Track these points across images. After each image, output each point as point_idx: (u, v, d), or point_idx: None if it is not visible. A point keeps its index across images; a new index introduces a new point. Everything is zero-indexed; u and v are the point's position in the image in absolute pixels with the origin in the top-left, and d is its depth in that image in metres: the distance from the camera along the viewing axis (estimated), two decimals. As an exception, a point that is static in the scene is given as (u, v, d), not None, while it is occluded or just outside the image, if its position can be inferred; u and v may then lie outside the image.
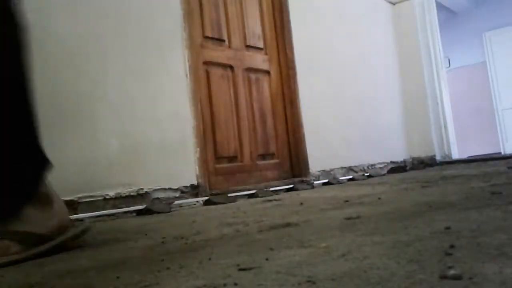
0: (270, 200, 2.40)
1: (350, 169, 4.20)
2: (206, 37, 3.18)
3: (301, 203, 1.97)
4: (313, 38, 4.04)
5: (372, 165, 4.55)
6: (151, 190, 2.50)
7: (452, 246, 0.75)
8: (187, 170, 2.74)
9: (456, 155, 5.44)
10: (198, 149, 2.81)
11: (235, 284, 0.68)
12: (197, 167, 2.79)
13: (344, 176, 4.04)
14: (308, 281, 0.64)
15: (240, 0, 3.51)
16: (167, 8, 2.81)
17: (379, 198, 1.80)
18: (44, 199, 1.25)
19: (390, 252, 0.77)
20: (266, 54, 3.66)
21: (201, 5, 3.16)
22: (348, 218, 1.28)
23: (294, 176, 3.65)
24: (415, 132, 5.33)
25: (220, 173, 3.11)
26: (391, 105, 5.13)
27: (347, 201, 1.85)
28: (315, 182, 3.60)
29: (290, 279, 0.67)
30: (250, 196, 2.94)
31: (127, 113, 2.47)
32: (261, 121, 3.50)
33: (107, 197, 2.29)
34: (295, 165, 3.69)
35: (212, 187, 2.93)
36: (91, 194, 2.24)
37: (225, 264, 0.84)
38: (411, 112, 5.34)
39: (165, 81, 2.71)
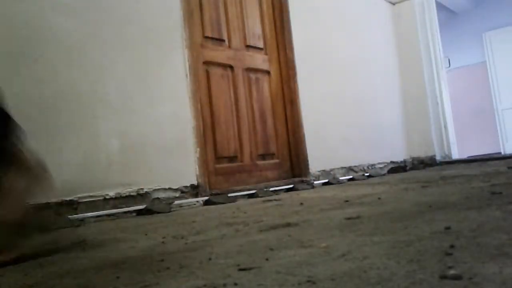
0: (270, 200, 2.40)
1: (350, 169, 4.20)
2: (206, 37, 3.18)
3: (301, 203, 1.97)
4: (313, 38, 4.04)
5: (372, 165, 4.55)
6: (151, 190, 2.50)
7: (452, 246, 0.75)
8: (187, 170, 2.74)
9: (456, 155, 5.44)
10: (198, 149, 2.81)
11: (235, 284, 0.68)
12: (197, 167, 2.79)
13: (344, 176, 4.04)
14: (308, 281, 0.64)
15: (240, 0, 3.51)
16: (167, 8, 2.81)
17: (379, 198, 1.80)
18: None
19: (390, 252, 0.77)
20: (266, 54, 3.66)
21: (201, 5, 3.16)
22: (348, 218, 1.28)
23: (294, 176, 3.65)
24: (415, 132, 5.33)
25: (220, 173, 3.11)
26: (391, 105, 5.13)
27: (347, 201, 1.85)
28: (315, 182, 3.60)
29: (290, 279, 0.67)
30: (250, 196, 2.94)
31: (127, 113, 2.47)
32: (261, 121, 3.50)
33: (107, 197, 2.29)
34: (295, 165, 3.69)
35: (212, 187, 2.93)
36: (91, 194, 2.24)
37: (225, 264, 0.84)
38: (411, 112, 5.34)
39: (165, 81, 2.71)
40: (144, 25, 2.64)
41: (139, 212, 2.33)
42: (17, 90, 2.06)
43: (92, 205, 2.23)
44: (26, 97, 2.08)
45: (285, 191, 3.19)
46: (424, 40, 5.36)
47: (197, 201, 2.66)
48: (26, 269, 1.04)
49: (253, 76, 3.50)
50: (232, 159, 3.22)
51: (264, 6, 3.71)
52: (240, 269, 0.77)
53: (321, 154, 3.83)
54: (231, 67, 3.33)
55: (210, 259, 0.90)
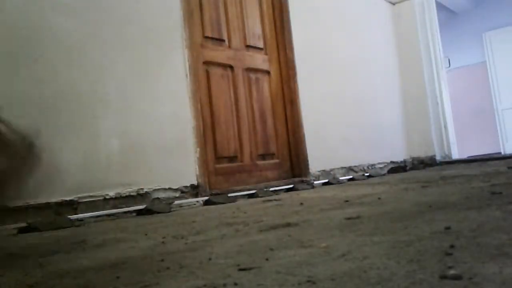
0: (270, 200, 2.40)
1: (350, 169, 4.20)
2: (206, 37, 3.18)
3: (301, 203, 1.97)
4: (313, 38, 4.04)
5: (372, 165, 4.55)
6: (151, 190, 2.50)
7: (452, 246, 0.75)
8: (187, 170, 2.74)
9: (456, 155, 5.44)
10: (198, 149, 2.81)
11: (235, 284, 0.68)
12: (197, 167, 2.79)
13: (344, 176, 4.04)
14: (308, 281, 0.64)
15: (240, 0, 3.51)
16: (167, 8, 2.81)
17: (379, 198, 1.80)
18: None
19: (390, 252, 0.77)
20: (266, 54, 3.66)
21: (201, 5, 3.16)
22: (348, 218, 1.28)
23: (294, 176, 3.65)
24: (415, 132, 5.33)
25: (220, 173, 3.11)
26: (391, 105, 5.13)
27: (347, 201, 1.85)
28: (315, 182, 3.60)
29: (290, 279, 0.67)
30: (250, 196, 2.94)
31: (127, 113, 2.47)
32: (261, 121, 3.50)
33: (107, 197, 2.29)
34: (295, 165, 3.69)
35: (212, 187, 2.93)
36: (91, 194, 2.24)
37: (225, 264, 0.84)
38: (411, 112, 5.34)
39: (165, 81, 2.71)
40: (144, 25, 2.64)
41: (139, 212, 2.33)
42: (17, 90, 2.06)
43: (92, 205, 2.23)
44: (26, 97, 2.08)
45: (285, 191, 3.19)
46: (424, 40, 5.36)
47: (197, 201, 2.66)
48: (26, 269, 1.04)
49: (253, 76, 3.50)
50: (232, 159, 3.22)
51: (264, 6, 3.71)
52: (240, 269, 0.77)
53: (321, 154, 3.83)
54: (231, 67, 3.33)
55: (210, 259, 0.90)
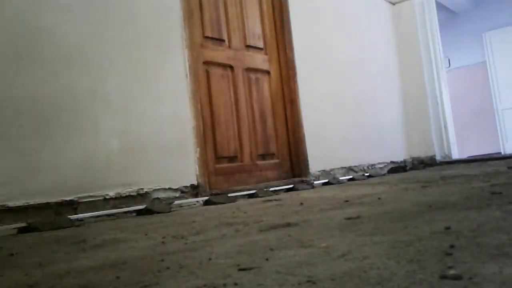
0: (270, 200, 2.40)
1: (350, 169, 4.20)
2: (206, 37, 3.18)
3: (301, 203, 1.97)
4: (313, 38, 4.04)
5: (372, 165, 4.55)
6: (151, 190, 2.50)
7: (452, 246, 0.75)
8: (187, 170, 2.74)
9: (456, 155, 5.44)
10: (198, 149, 2.81)
11: (235, 284, 0.68)
12: (197, 167, 2.79)
13: (344, 176, 4.04)
14: (308, 281, 0.64)
15: (240, 0, 3.51)
16: (167, 8, 2.81)
17: (379, 198, 1.80)
18: None
19: (390, 252, 0.77)
20: (266, 54, 3.66)
21: (201, 5, 3.16)
22: (348, 218, 1.28)
23: (294, 176, 3.65)
24: (415, 132, 5.33)
25: (220, 173, 3.11)
26: (391, 105, 5.13)
27: (347, 201, 1.85)
28: (315, 182, 3.60)
29: (290, 279, 0.67)
30: (250, 196, 2.94)
31: (127, 113, 2.47)
32: (261, 121, 3.50)
33: (107, 197, 2.29)
34: (295, 165, 3.69)
35: (212, 187, 2.93)
36: (91, 194, 2.24)
37: (225, 264, 0.84)
38: (411, 112, 5.34)
39: (165, 81, 2.71)
40: (144, 25, 2.64)
41: (139, 212, 2.33)
42: (17, 90, 2.06)
43: (92, 205, 2.23)
44: (26, 97, 2.08)
45: (285, 191, 3.19)
46: (424, 40, 5.36)
47: (197, 201, 2.66)
48: (26, 269, 1.04)
49: (253, 76, 3.50)
50: (232, 159, 3.22)
51: (264, 6, 3.71)
52: (240, 269, 0.77)
53: (321, 154, 3.83)
54: (231, 67, 3.33)
55: (210, 259, 0.90)
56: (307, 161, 3.70)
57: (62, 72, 2.24)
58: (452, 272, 0.58)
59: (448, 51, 7.11)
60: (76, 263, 1.04)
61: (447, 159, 5.27)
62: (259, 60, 3.59)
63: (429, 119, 5.28)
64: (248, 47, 3.51)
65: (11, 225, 1.90)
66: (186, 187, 2.70)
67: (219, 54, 3.26)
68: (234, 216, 1.75)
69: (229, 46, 3.36)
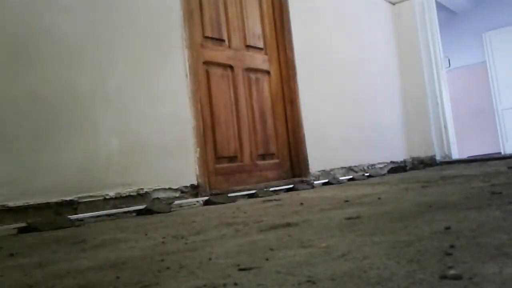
0: (270, 200, 2.40)
1: (350, 169, 4.20)
2: (206, 37, 3.18)
3: (301, 203, 1.97)
4: (313, 38, 4.04)
5: (372, 165, 4.55)
6: (151, 190, 2.50)
7: (452, 246, 0.75)
8: (187, 170, 2.74)
9: (456, 155, 5.43)
10: (198, 149, 2.81)
11: (235, 284, 0.68)
12: (197, 167, 2.79)
13: (344, 176, 4.04)
14: (308, 281, 0.64)
15: (240, 0, 3.51)
16: (167, 8, 2.81)
17: (379, 198, 1.80)
18: None
19: (390, 252, 0.77)
20: (266, 54, 3.66)
21: (201, 5, 3.16)
22: (348, 218, 1.28)
23: (294, 176, 3.65)
24: (415, 132, 5.33)
25: (220, 173, 3.11)
26: (391, 105, 5.13)
27: (347, 201, 1.85)
28: (315, 182, 3.60)
29: (290, 279, 0.67)
30: (250, 196, 2.94)
31: (127, 113, 2.47)
32: (261, 121, 3.50)
33: (107, 197, 2.29)
34: (295, 165, 3.69)
35: (212, 187, 2.93)
36: (91, 194, 2.24)
37: (225, 264, 0.84)
38: (411, 112, 5.34)
39: (165, 81, 2.71)
40: (144, 25, 2.64)
41: (139, 212, 2.33)
42: (18, 90, 2.06)
43: (92, 205, 2.23)
44: (26, 97, 2.08)
45: (285, 191, 3.19)
46: (424, 40, 5.36)
47: (197, 201, 2.66)
48: (26, 269, 1.04)
49: (253, 76, 3.50)
50: (232, 159, 3.22)
51: (264, 6, 3.71)
52: (240, 269, 0.77)
53: (321, 154, 3.83)
54: (231, 67, 3.33)
55: (210, 259, 0.90)
56: (307, 161, 3.70)
57: (62, 72, 2.24)
58: (452, 272, 0.58)
59: (448, 51, 7.11)
60: (76, 263, 1.04)
61: (447, 159, 5.27)
62: (259, 60, 3.59)
63: (429, 119, 5.28)
64: (248, 47, 3.51)
65: (11, 225, 1.90)
66: (186, 187, 2.70)
67: (219, 54, 3.26)
68: (234, 216, 1.75)
69: (229, 46, 3.36)
